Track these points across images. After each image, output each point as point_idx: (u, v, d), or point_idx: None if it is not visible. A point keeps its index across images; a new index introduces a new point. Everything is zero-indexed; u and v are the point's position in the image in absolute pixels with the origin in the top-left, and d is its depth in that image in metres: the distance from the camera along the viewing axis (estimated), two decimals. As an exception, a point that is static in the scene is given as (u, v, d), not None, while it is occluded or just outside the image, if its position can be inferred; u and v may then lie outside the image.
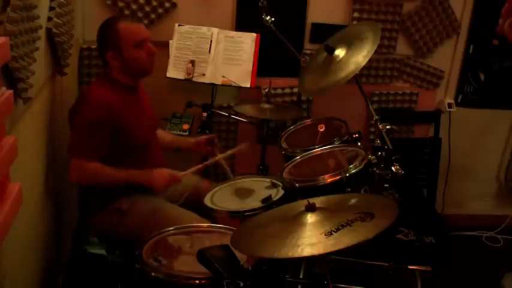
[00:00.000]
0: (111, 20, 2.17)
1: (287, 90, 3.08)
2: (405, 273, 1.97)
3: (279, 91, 3.05)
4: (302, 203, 1.53)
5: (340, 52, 2.27)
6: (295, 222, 1.47)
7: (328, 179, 1.95)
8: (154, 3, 2.80)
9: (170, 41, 2.79)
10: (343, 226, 1.37)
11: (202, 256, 1.42)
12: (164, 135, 2.50)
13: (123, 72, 2.14)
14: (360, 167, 1.97)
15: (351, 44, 2.26)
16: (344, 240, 1.32)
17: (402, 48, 3.18)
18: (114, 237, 2.16)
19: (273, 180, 2.16)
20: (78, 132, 2.05)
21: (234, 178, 2.24)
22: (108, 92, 2.09)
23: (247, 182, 2.23)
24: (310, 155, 2.26)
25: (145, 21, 2.80)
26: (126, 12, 2.77)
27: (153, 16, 2.82)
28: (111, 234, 2.14)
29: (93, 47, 2.81)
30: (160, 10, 2.82)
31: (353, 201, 1.65)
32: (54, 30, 1.99)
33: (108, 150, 2.06)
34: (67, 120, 2.15)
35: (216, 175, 3.11)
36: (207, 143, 2.43)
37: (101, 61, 2.80)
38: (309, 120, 2.78)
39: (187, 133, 2.68)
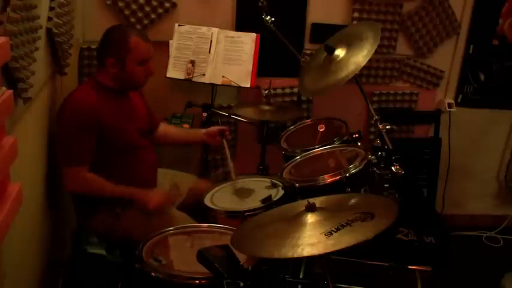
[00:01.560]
0: (125, 29, 2.16)
1: (287, 90, 3.07)
2: (405, 273, 1.97)
3: (279, 91, 3.05)
4: (302, 203, 1.53)
5: (340, 52, 2.27)
6: (295, 222, 1.47)
7: (328, 179, 1.94)
8: (154, 3, 2.80)
9: (170, 41, 2.79)
10: (343, 226, 1.37)
11: (202, 256, 1.42)
12: (174, 130, 2.52)
13: (115, 80, 2.13)
14: (360, 167, 1.96)
15: (351, 44, 2.25)
16: (344, 240, 1.32)
17: (402, 48, 3.18)
18: (112, 239, 2.16)
19: (273, 180, 2.17)
20: (64, 140, 2.04)
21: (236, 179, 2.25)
22: (91, 95, 2.07)
23: (247, 182, 2.23)
24: (310, 155, 2.26)
25: (146, 21, 2.80)
26: (126, 12, 2.77)
27: (153, 16, 2.81)
28: (109, 235, 2.14)
29: (93, 47, 2.81)
30: (160, 10, 2.82)
31: (353, 201, 1.65)
32: (54, 30, 1.99)
33: (95, 153, 2.05)
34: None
35: (216, 175, 3.11)
36: (218, 133, 2.44)
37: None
38: (309, 120, 2.78)
39: (187, 133, 2.68)
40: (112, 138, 2.08)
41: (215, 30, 2.82)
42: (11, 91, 1.22)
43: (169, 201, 2.15)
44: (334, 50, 2.27)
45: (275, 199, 1.99)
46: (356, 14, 3.00)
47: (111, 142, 2.09)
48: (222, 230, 1.86)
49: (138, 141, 2.22)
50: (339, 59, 2.25)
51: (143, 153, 2.24)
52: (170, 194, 2.20)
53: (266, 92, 2.71)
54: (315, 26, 3.02)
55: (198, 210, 2.15)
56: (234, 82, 2.79)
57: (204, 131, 2.48)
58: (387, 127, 2.10)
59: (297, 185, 1.97)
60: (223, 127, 2.47)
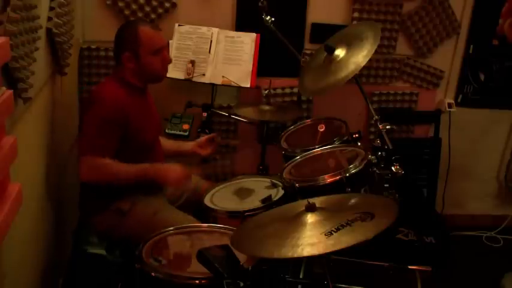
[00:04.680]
0: (133, 22, 2.19)
1: (287, 90, 3.07)
2: (405, 273, 1.97)
3: (279, 91, 3.05)
4: (302, 203, 1.53)
5: (340, 52, 2.27)
6: (295, 222, 1.47)
7: (328, 179, 1.94)
8: (154, 3, 2.80)
9: (170, 41, 2.79)
10: (343, 226, 1.37)
11: (202, 256, 1.42)
12: (163, 142, 2.47)
13: (135, 75, 2.14)
14: (360, 167, 1.97)
15: (351, 44, 2.26)
16: (344, 240, 1.32)
17: (402, 48, 3.18)
18: (113, 238, 2.16)
19: (273, 180, 2.17)
20: (88, 130, 2.02)
21: (234, 178, 2.25)
22: (119, 92, 2.09)
23: (247, 182, 2.23)
24: (310, 155, 2.26)
25: (145, 21, 2.80)
26: (126, 12, 2.77)
27: (153, 16, 2.81)
28: (111, 234, 2.14)
29: (93, 47, 2.82)
30: (160, 10, 2.82)
31: (353, 201, 1.65)
32: (54, 30, 1.99)
33: (114, 152, 2.05)
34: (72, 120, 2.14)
35: (216, 175, 3.11)
36: (208, 142, 2.43)
37: (101, 61, 2.84)
38: (309, 120, 2.78)
39: (187, 133, 2.68)
40: (133, 136, 2.09)
41: (215, 30, 2.82)
42: (11, 91, 1.22)
43: (187, 176, 2.12)
44: (334, 50, 2.28)
45: (275, 199, 1.99)
46: (356, 14, 3.00)
47: (131, 140, 2.09)
48: (222, 230, 1.86)
49: (154, 140, 2.27)
50: (339, 59, 2.25)
51: (155, 153, 2.27)
52: (188, 169, 2.16)
53: (266, 91, 2.71)
54: (315, 26, 3.02)
55: (198, 210, 2.15)
56: (234, 82, 2.79)
57: (193, 143, 2.47)
58: (387, 127, 2.10)
59: (297, 185, 1.97)
60: (211, 135, 2.48)
